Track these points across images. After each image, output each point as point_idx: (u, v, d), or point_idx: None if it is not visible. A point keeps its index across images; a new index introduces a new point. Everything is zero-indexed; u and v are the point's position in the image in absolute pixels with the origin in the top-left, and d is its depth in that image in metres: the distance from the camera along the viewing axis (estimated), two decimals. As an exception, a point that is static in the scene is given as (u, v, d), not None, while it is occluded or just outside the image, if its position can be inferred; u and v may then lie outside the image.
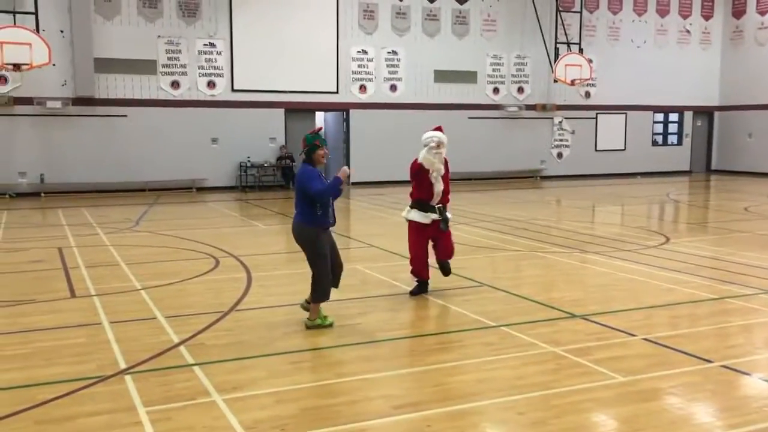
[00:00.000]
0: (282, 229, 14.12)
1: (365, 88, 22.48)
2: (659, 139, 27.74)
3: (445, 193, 7.56)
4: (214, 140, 20.85)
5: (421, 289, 7.68)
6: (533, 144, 24.84)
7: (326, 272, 6.38)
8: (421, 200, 7.52)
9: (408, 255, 7.77)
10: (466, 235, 11.77)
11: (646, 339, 6.09)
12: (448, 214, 7.64)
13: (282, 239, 12.88)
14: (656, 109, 26.86)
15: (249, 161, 20.98)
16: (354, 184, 22.30)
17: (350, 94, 22.34)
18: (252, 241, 11.71)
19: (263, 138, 21.30)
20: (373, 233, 12.44)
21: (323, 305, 6.64)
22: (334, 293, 6.77)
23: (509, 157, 24.21)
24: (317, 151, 6.33)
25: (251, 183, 21.15)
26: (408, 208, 7.66)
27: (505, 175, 24.16)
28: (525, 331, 6.35)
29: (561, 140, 25.39)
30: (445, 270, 7.77)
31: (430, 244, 7.69)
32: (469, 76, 23.79)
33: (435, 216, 7.51)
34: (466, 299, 7.49)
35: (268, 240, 11.98)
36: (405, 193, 21.41)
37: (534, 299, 7.45)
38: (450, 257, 7.74)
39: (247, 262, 9.57)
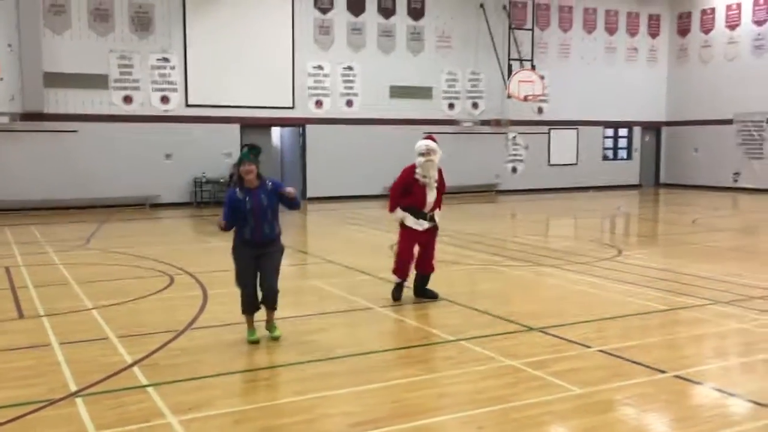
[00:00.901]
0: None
1: (321, 103, 22.47)
2: (609, 153, 28.32)
3: (437, 203, 7.83)
4: (168, 156, 20.57)
5: (400, 290, 7.96)
6: (488, 158, 25.11)
7: (242, 285, 6.45)
8: (413, 207, 7.74)
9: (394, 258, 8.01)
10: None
11: (601, 350, 6.17)
12: (437, 219, 7.91)
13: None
14: (606, 124, 27.45)
15: (204, 177, 20.75)
16: (311, 199, 22.21)
17: (306, 109, 22.30)
18: (208, 257, 11.57)
19: (218, 153, 21.09)
20: (330, 248, 12.40)
21: (282, 319, 6.52)
22: (292, 308, 6.76)
23: (465, 172, 24.42)
24: (239, 167, 6.37)
25: (206, 199, 20.93)
26: (401, 211, 7.82)
27: (461, 189, 24.34)
28: (484, 344, 6.36)
29: (515, 155, 25.73)
30: (423, 289, 7.97)
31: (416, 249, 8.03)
32: (424, 92, 23.97)
33: (427, 224, 7.76)
34: (424, 313, 7.49)
35: (224, 256, 11.78)
36: (362, 208, 21.16)
37: (491, 313, 7.48)
38: (431, 270, 7.97)
39: (202, 280, 9.43)
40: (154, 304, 8.07)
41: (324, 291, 8.76)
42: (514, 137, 25.58)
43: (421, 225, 7.78)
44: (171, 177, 20.57)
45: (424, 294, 8.03)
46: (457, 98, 24.59)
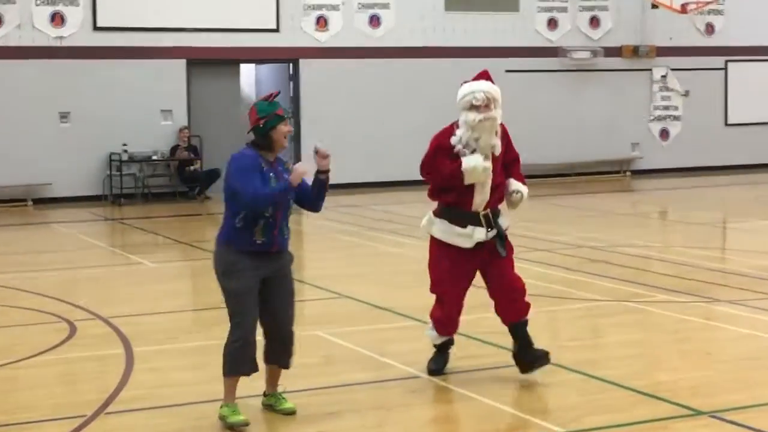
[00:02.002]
0: (184, 268, 14.03)
1: (326, 21, 22.54)
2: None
3: (498, 188, 7.43)
4: (64, 116, 20.78)
5: (441, 357, 7.70)
6: (618, 115, 24.94)
7: (242, 328, 6.56)
8: (454, 207, 7.40)
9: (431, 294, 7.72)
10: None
11: (823, 451, 6.12)
12: (504, 223, 7.49)
13: (185, 286, 12.80)
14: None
15: (125, 152, 20.90)
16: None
17: (300, 32, 22.39)
18: (133, 290, 11.61)
19: (150, 111, 21.23)
20: (342, 273, 12.43)
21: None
22: (283, 377, 6.83)
23: (578, 139, 24.29)
24: (277, 126, 6.52)
25: (130, 190, 21.09)
26: (430, 214, 7.59)
27: (572, 168, 24.23)
28: (614, 440, 6.36)
29: (666, 108, 25.51)
30: (523, 351, 7.45)
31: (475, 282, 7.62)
32: (506, 0, 23.90)
33: (481, 234, 7.32)
34: (509, 387, 7.48)
35: (162, 289, 11.90)
36: (397, 204, 21.45)
37: (626, 385, 7.45)
38: (522, 314, 7.53)
39: (124, 329, 9.47)
40: (43, 372, 8.08)
41: (334, 348, 8.78)
42: (665, 77, 25.37)
43: (470, 239, 7.33)
44: (69, 153, 20.76)
45: (525, 361, 7.45)
46: (562, 10, 24.52)
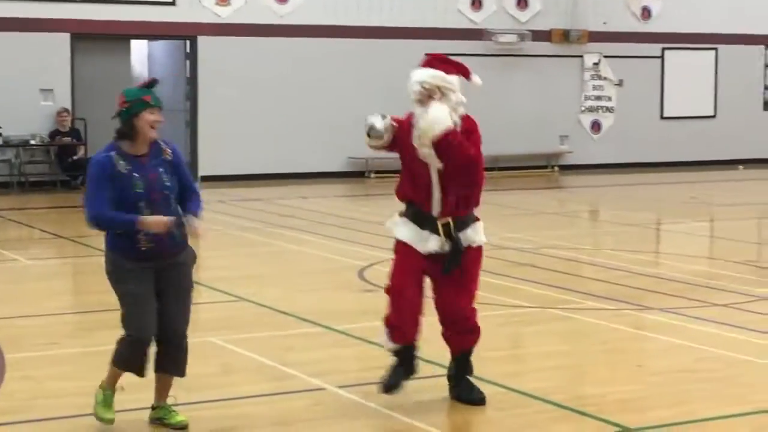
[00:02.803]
0: (65, 265, 13.89)
1: (228, -6, 22.47)
2: (777, 96, 28.53)
3: (465, 195, 7.20)
4: (-71, 94, 20.49)
5: (403, 367, 7.28)
6: (547, 105, 25.19)
7: (135, 326, 6.62)
8: (413, 204, 7.25)
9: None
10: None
11: (759, 472, 6.25)
12: (469, 239, 7.28)
13: (65, 285, 12.67)
14: (771, 41, 27.68)
15: (0, 135, 20.64)
16: (205, 179, 22.17)
17: (199, 6, 22.33)
18: (6, 290, 11.52)
19: (28, 91, 21.00)
20: (242, 274, 12.44)
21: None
22: (176, 388, 6.83)
23: (503, 130, 24.46)
24: (141, 113, 6.51)
25: (4, 178, 20.94)
26: (396, 215, 7.44)
27: (496, 162, 24.40)
28: (535, 460, 6.43)
29: (598, 98, 25.82)
30: (459, 381, 7.34)
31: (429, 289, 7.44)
32: (426, -24, 24.05)
33: (435, 244, 7.14)
34: (421, 401, 7.49)
35: (39, 288, 11.78)
36: (302, 197, 21.39)
37: (551, 399, 7.51)
38: (471, 338, 7.36)
39: (-5, 333, 9.40)
40: None
41: (232, 356, 8.77)
42: (597, 64, 25.67)
43: (425, 244, 7.19)
44: (-64, 135, 20.47)
45: (455, 393, 7.38)
46: (488, -11, 24.65)
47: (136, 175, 6.48)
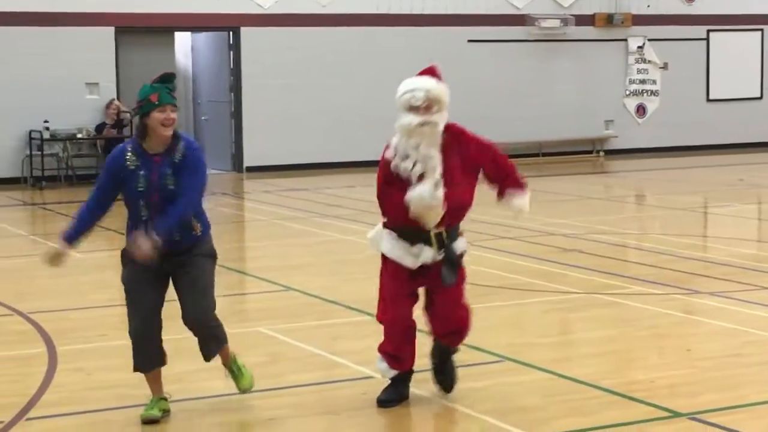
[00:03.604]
0: (113, 258, 13.89)
1: (270, -14, 22.49)
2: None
3: (458, 205, 6.94)
4: (-22, 90, 20.64)
5: (397, 390, 7.20)
6: (591, 90, 25.07)
7: (132, 321, 6.74)
8: (400, 224, 6.98)
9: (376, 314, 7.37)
10: (475, 264, 11.79)
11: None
12: (458, 247, 7.07)
13: (113, 277, 12.67)
14: (818, 21, 27.40)
15: (47, 130, 20.77)
16: (250, 170, 22.24)
17: (241, -2, 22.34)
18: (55, 283, 11.49)
19: (74, 85, 21.10)
20: (288, 264, 12.44)
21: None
22: (222, 378, 6.89)
23: (547, 116, 24.40)
24: (151, 113, 6.50)
25: (52, 172, 21.00)
26: (379, 226, 7.25)
27: (540, 148, 24.35)
28: (586, 445, 6.42)
29: (643, 82, 25.67)
30: (444, 355, 7.24)
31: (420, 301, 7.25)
32: (467, -37, 23.99)
33: (429, 255, 6.93)
34: (473, 386, 7.48)
35: (88, 280, 11.85)
36: (348, 188, 21.35)
37: (600, 385, 7.50)
38: (460, 337, 7.25)
39: (45, 325, 9.43)
40: (-46, 374, 8.06)
41: (280, 345, 8.78)
42: (642, 48, 25.52)
43: (415, 258, 6.95)
44: (-16, 130, 20.63)
45: (437, 375, 7.31)
46: (530, -25, 24.55)
47: (141, 173, 6.52)
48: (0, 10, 20.55)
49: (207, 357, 6.89)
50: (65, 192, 20.13)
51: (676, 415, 6.89)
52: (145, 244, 6.31)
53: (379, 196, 7.17)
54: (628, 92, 25.67)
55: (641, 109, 25.85)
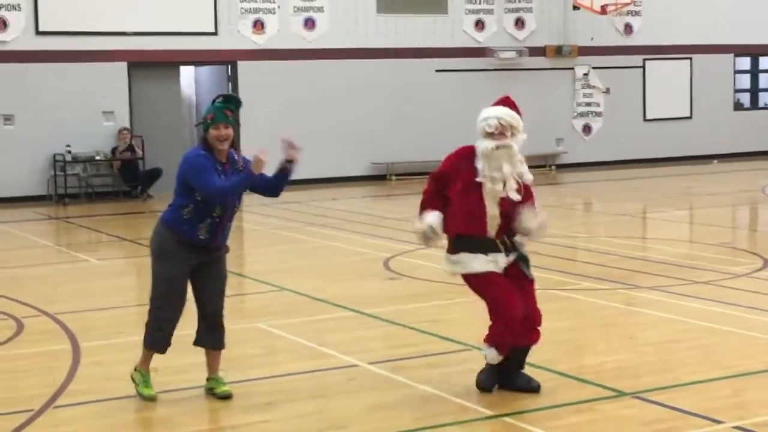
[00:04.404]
0: (128, 265, 13.93)
1: (263, 25, 22.47)
2: (745, 99, 28.37)
3: (510, 216, 6.86)
4: (8, 119, 20.55)
5: (494, 371, 6.99)
6: (544, 112, 25.09)
7: (163, 311, 6.77)
8: (468, 235, 6.84)
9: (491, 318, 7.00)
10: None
11: (739, 428, 6.20)
12: (521, 243, 6.99)
13: (129, 282, 12.72)
14: (739, 50, 27.54)
15: (69, 153, 20.71)
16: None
17: (238, 36, 22.31)
18: (78, 287, 11.54)
19: (92, 113, 21.04)
20: (282, 268, 12.42)
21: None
22: (225, 369, 6.72)
23: (505, 135, 24.42)
24: (209, 129, 6.68)
25: (74, 190, 20.92)
26: (447, 255, 7.00)
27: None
28: (542, 422, 6.40)
29: (588, 105, 25.74)
30: (514, 373, 7.02)
31: None
32: (435, 2, 24.01)
33: (503, 259, 6.85)
34: (444, 373, 7.49)
35: (107, 285, 11.80)
36: (334, 199, 21.26)
37: (555, 369, 7.53)
38: (538, 334, 7.02)
39: (70, 324, 9.42)
40: (-10, 368, 8.05)
41: (275, 339, 8.78)
42: (587, 75, 25.60)
43: (495, 262, 6.83)
44: (13, 155, 20.52)
45: (515, 384, 7.01)
46: (489, 12, 24.62)
47: (222, 177, 6.66)
48: (28, 49, 20.50)
49: (219, 347, 6.97)
50: (86, 207, 20.10)
51: (621, 394, 6.91)
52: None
53: (429, 190, 7.01)
54: (575, 114, 25.75)
55: (587, 128, 25.92)
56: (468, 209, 6.82)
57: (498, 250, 6.84)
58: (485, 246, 6.82)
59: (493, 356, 6.91)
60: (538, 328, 6.98)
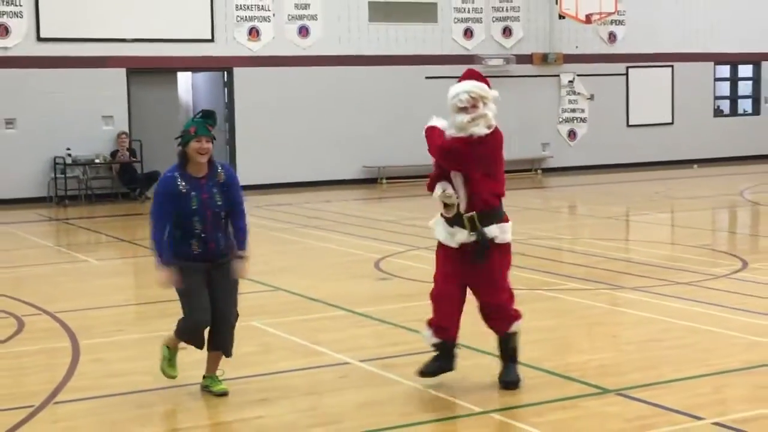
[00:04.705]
0: (127, 265, 13.92)
1: (257, 32, 22.47)
2: (725, 105, 28.44)
3: (486, 190, 6.87)
4: (9, 123, 20.54)
5: (441, 361, 7.01)
6: (530, 118, 25.16)
7: (192, 319, 6.83)
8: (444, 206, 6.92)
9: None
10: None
11: (718, 423, 6.22)
12: (491, 231, 6.89)
13: (128, 281, 12.71)
14: (719, 58, 27.61)
15: (69, 156, 20.70)
16: (244, 188, 22.12)
17: (234, 43, 22.31)
18: (78, 286, 11.54)
19: (92, 117, 21.03)
20: (276, 267, 12.41)
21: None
22: (222, 365, 6.93)
23: (492, 140, 24.44)
24: (189, 142, 6.67)
25: (74, 192, 20.89)
26: (438, 215, 7.09)
27: (486, 168, 24.37)
28: (528, 418, 6.41)
29: (573, 111, 25.79)
30: (505, 352, 7.02)
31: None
32: (425, 11, 24.04)
33: (462, 236, 6.83)
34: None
35: (106, 284, 11.80)
36: (327, 202, 21.32)
37: (541, 366, 7.54)
38: (505, 322, 6.99)
39: (70, 323, 9.42)
40: (-8, 365, 8.04)
41: (269, 337, 8.79)
42: (572, 82, 25.65)
43: (452, 237, 6.88)
44: (14, 158, 20.51)
45: (500, 374, 7.05)
46: (477, 21, 24.66)
47: (193, 194, 6.66)
48: (29, 55, 20.48)
49: (227, 353, 6.98)
50: (85, 208, 20.09)
51: (605, 391, 6.92)
52: (245, 268, 6.84)
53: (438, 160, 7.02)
54: (561, 119, 25.80)
55: (572, 134, 25.97)
56: (444, 177, 6.92)
57: (462, 226, 6.83)
58: (452, 219, 6.87)
59: (428, 336, 7.04)
60: (506, 314, 6.99)
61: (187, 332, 6.89)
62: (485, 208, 6.88)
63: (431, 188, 7.03)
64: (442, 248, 7.02)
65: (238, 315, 7.01)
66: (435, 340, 7.00)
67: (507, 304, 7.04)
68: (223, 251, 6.85)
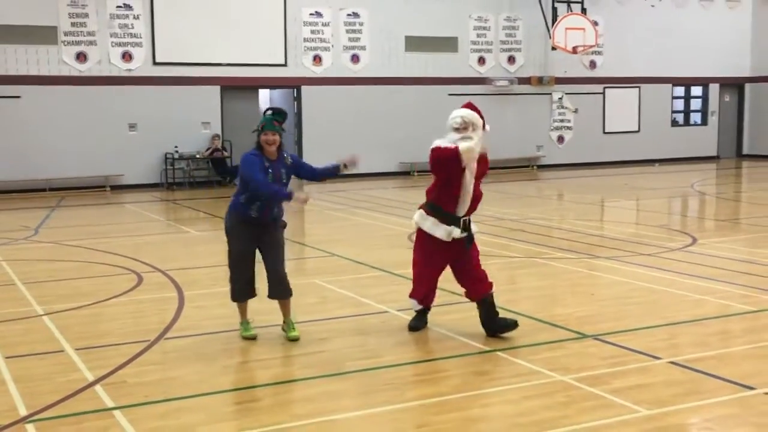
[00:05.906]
0: (219, 235, 14.00)
1: (320, 59, 22.46)
2: (680, 118, 28.13)
3: (476, 199, 6.94)
4: (132, 126, 20.67)
5: (421, 319, 7.19)
6: (528, 126, 25.05)
7: (236, 280, 6.82)
8: (443, 209, 6.85)
9: (411, 275, 7.25)
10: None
11: (672, 362, 6.19)
12: (474, 228, 7.01)
13: (221, 248, 12.79)
14: (676, 81, 27.27)
15: (176, 152, 20.83)
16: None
17: (302, 66, 22.31)
18: (183, 251, 11.65)
19: (194, 123, 21.16)
20: (332, 239, 12.45)
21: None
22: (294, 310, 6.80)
23: (499, 143, 24.28)
24: (261, 135, 6.68)
25: (180, 179, 21.03)
26: (421, 211, 7.02)
27: (494, 164, 24.21)
28: (525, 356, 6.39)
29: (562, 121, 25.62)
30: (492, 320, 6.90)
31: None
32: (448, 44, 23.90)
33: (458, 233, 6.84)
34: (450, 318, 7.50)
35: (203, 249, 11.90)
36: (373, 189, 21.28)
37: (534, 316, 7.52)
38: (486, 286, 6.98)
39: (177, 278, 9.52)
40: (118, 309, 8.11)
41: (327, 291, 8.81)
42: (561, 99, 25.47)
43: (448, 234, 6.84)
44: (136, 153, 20.67)
45: (496, 328, 6.91)
46: (488, 51, 24.49)
47: (270, 171, 6.63)
48: (147, 75, 20.60)
49: (287, 294, 6.89)
50: (188, 192, 20.22)
51: (584, 336, 6.90)
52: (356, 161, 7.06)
53: (439, 172, 6.88)
54: (552, 127, 25.61)
55: (560, 139, 25.78)
56: (451, 192, 6.84)
57: (457, 225, 6.86)
58: (450, 219, 6.86)
59: (414, 304, 7.17)
60: (486, 283, 6.98)
61: (236, 293, 6.91)
62: (472, 213, 6.99)
63: (431, 195, 7.05)
64: (429, 240, 6.93)
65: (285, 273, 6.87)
66: (419, 307, 7.17)
67: (485, 275, 7.07)
68: (275, 216, 6.80)
